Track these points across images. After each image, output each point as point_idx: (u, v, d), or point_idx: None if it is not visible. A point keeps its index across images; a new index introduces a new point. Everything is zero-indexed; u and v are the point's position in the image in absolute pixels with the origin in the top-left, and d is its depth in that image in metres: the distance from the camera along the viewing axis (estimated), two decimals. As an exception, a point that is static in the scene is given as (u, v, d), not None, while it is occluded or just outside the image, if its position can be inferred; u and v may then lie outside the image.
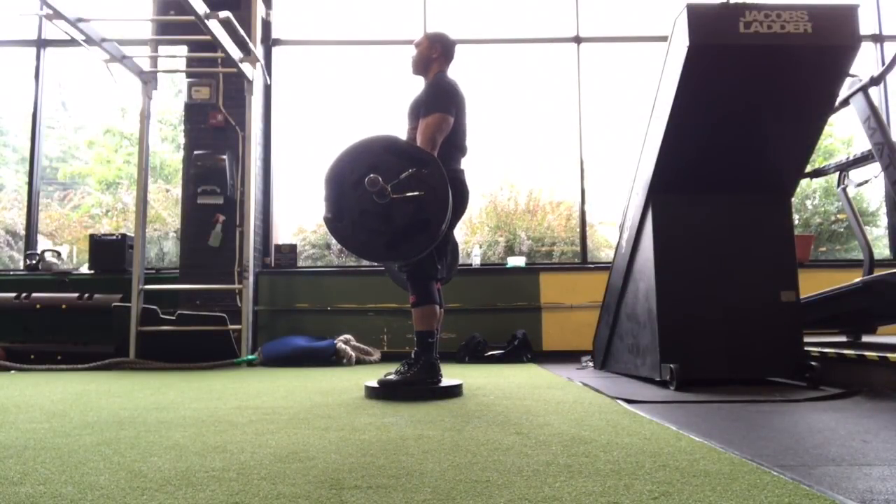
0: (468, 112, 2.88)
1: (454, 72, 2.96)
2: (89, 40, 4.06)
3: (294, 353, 4.44)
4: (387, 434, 1.77)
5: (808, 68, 2.70)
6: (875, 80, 3.22)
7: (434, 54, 2.84)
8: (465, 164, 2.90)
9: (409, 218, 1.95)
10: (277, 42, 5.49)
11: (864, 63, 5.32)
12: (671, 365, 2.74)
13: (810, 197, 5.91)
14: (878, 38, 5.51)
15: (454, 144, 2.75)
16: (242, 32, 4.39)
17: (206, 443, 1.65)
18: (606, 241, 5.67)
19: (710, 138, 2.86)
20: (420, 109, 2.68)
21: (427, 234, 1.98)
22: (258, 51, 4.77)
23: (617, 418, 1.98)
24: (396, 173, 1.96)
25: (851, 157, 3.57)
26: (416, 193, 1.95)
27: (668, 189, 2.96)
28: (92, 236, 5.04)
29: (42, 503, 1.12)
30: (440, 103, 2.64)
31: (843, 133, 5.97)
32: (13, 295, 4.64)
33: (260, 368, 4.27)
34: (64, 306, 4.61)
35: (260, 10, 4.96)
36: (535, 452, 1.50)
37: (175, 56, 5.25)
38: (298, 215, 5.76)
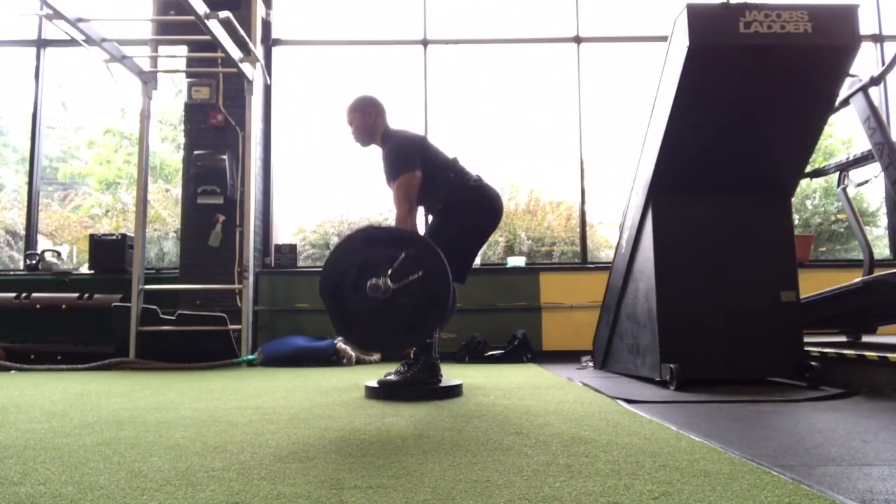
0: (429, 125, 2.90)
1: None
2: (89, 40, 4.06)
3: (294, 353, 4.44)
4: (387, 434, 1.77)
5: (808, 68, 2.70)
6: (875, 80, 3.22)
7: (370, 119, 2.84)
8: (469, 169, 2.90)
9: (416, 300, 1.95)
10: (277, 42, 5.49)
11: (864, 63, 5.33)
12: (671, 365, 2.74)
13: (810, 197, 5.91)
14: (878, 38, 5.51)
15: (441, 174, 2.76)
16: (242, 32, 4.39)
17: (206, 443, 1.65)
18: (606, 241, 5.68)
19: (710, 138, 2.86)
20: (387, 175, 2.74)
21: (437, 308, 1.99)
22: (258, 51, 4.77)
23: (617, 418, 1.98)
24: (389, 262, 1.96)
25: (851, 157, 3.57)
26: (415, 276, 1.94)
27: (668, 189, 2.96)
28: (92, 236, 5.04)
29: (42, 503, 1.12)
30: (399, 166, 2.67)
31: (843, 133, 5.97)
32: (13, 295, 4.64)
33: (260, 368, 4.27)
34: (64, 306, 4.61)
35: (260, 10, 4.96)
36: (535, 452, 1.50)
37: (175, 56, 5.25)
38: (298, 215, 5.76)
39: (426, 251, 2.00)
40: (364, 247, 2.01)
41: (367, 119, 2.84)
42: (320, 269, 5.55)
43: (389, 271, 1.93)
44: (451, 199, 2.74)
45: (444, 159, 2.83)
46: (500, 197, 2.88)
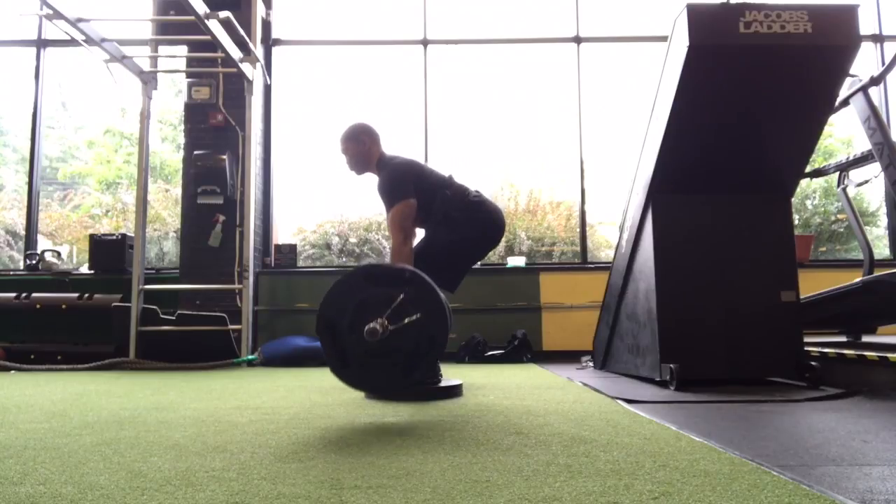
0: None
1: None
2: (89, 40, 4.06)
3: (294, 353, 4.44)
4: (387, 434, 1.77)
5: (809, 68, 2.70)
6: (875, 80, 3.22)
7: (365, 147, 2.83)
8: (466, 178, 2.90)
9: (414, 341, 1.93)
10: (277, 42, 5.49)
11: (864, 63, 5.33)
12: (671, 365, 2.74)
13: (810, 197, 5.92)
14: (878, 38, 5.51)
15: (439, 194, 2.76)
16: (242, 32, 4.39)
17: (206, 443, 1.65)
18: (606, 241, 5.68)
19: (710, 138, 2.85)
20: (384, 204, 2.74)
21: (434, 349, 1.98)
22: (258, 51, 4.77)
23: (617, 418, 1.98)
24: (387, 303, 1.95)
25: (851, 157, 3.57)
26: (413, 318, 1.93)
27: (668, 189, 2.96)
28: (92, 236, 5.04)
29: (42, 503, 1.12)
30: (394, 195, 2.67)
31: (843, 133, 5.97)
32: (13, 295, 4.64)
33: (260, 368, 4.27)
34: (64, 306, 4.61)
35: (260, 10, 4.96)
36: (535, 452, 1.50)
37: (175, 56, 5.25)
38: (298, 215, 5.77)
39: (425, 292, 1.99)
40: (362, 284, 2.00)
41: (362, 147, 2.83)
42: (321, 268, 5.60)
43: (387, 312, 1.91)
44: (451, 212, 2.75)
45: (438, 179, 2.83)
46: (500, 212, 2.87)
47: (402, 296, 1.94)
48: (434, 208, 2.74)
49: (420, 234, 2.90)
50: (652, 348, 2.92)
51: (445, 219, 2.75)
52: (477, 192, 2.85)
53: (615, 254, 3.52)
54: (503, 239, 4.08)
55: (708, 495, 1.13)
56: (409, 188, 2.68)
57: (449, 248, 2.75)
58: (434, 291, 1.99)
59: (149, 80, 4.64)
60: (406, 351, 1.93)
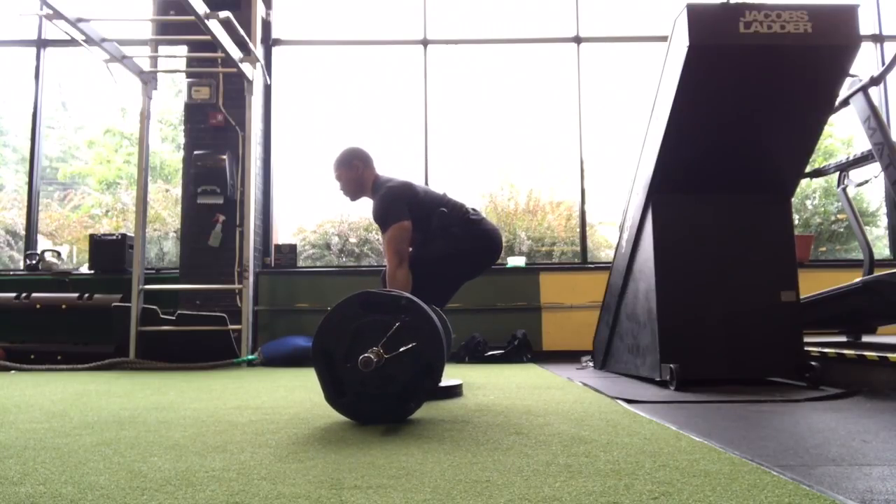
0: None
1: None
2: (89, 40, 4.06)
3: (294, 353, 4.44)
4: (387, 434, 1.77)
5: (809, 68, 2.70)
6: (875, 80, 3.22)
7: (358, 172, 2.83)
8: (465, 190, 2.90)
9: (410, 370, 1.92)
10: (277, 42, 5.49)
11: (864, 63, 5.33)
12: (671, 365, 2.74)
13: (810, 197, 5.92)
14: (878, 38, 5.51)
15: (435, 212, 2.76)
16: (242, 32, 4.39)
17: (206, 443, 1.65)
18: (606, 241, 5.68)
19: (710, 138, 2.85)
20: (379, 226, 2.75)
21: (431, 378, 1.97)
22: (258, 51, 4.78)
23: (617, 418, 1.98)
24: (384, 330, 1.94)
25: (851, 157, 3.57)
26: (409, 347, 1.92)
27: (668, 189, 2.96)
28: (92, 236, 5.04)
29: (42, 503, 1.12)
30: (388, 218, 2.67)
31: (843, 133, 5.97)
32: (13, 295, 4.64)
33: (260, 368, 4.27)
34: (64, 306, 4.61)
35: (260, 10, 4.96)
36: (535, 452, 1.50)
37: (175, 56, 5.25)
38: (298, 215, 5.77)
39: (422, 320, 1.98)
40: (359, 312, 1.99)
41: (355, 172, 2.83)
42: (321, 268, 5.59)
43: (383, 340, 1.90)
44: (449, 227, 2.75)
45: (433, 198, 2.83)
46: (498, 231, 2.87)
47: (397, 324, 1.94)
48: (431, 226, 2.74)
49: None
50: (652, 348, 2.92)
51: (444, 233, 2.75)
52: (474, 209, 2.85)
53: (615, 254, 3.53)
54: (503, 239, 4.04)
55: (708, 495, 1.13)
56: (404, 210, 2.68)
57: (443, 261, 2.75)
58: (431, 319, 1.99)
59: (149, 80, 4.64)
60: (402, 380, 1.92)
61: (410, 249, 2.74)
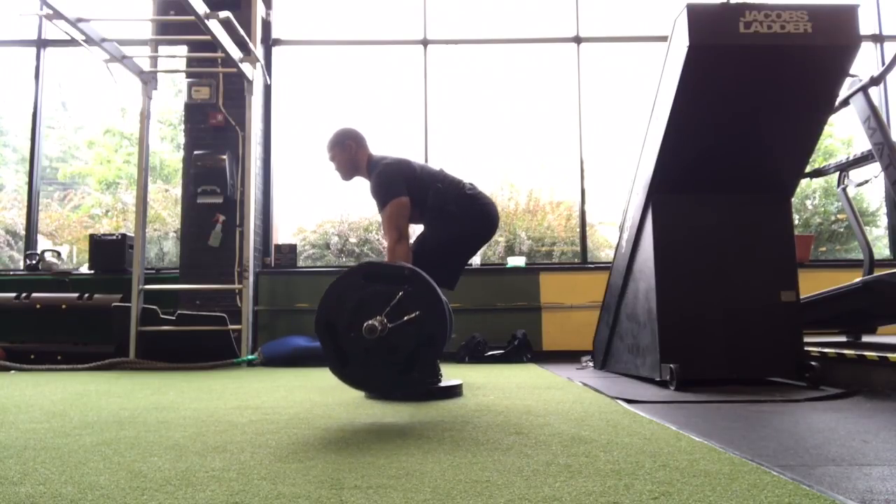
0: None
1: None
2: (89, 40, 4.06)
3: (294, 353, 4.44)
4: (387, 434, 1.77)
5: (809, 68, 2.70)
6: (875, 80, 3.22)
7: (351, 152, 2.82)
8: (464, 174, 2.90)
9: (413, 340, 1.93)
10: (277, 42, 5.49)
11: (864, 63, 5.33)
12: (671, 365, 2.74)
13: (810, 197, 5.92)
14: (878, 38, 5.51)
15: (431, 188, 2.75)
16: (242, 32, 4.39)
17: (206, 443, 1.65)
18: (606, 241, 5.68)
19: (710, 138, 2.85)
20: (377, 205, 2.74)
21: (433, 349, 1.97)
22: (258, 51, 4.77)
23: (617, 418, 1.98)
24: (387, 300, 1.94)
25: (851, 157, 3.57)
26: (413, 315, 1.92)
27: (668, 189, 2.96)
28: (92, 236, 5.04)
29: (42, 503, 1.12)
30: (387, 194, 2.66)
31: (843, 133, 5.97)
32: (13, 295, 4.64)
33: (260, 368, 4.27)
34: (64, 306, 4.61)
35: (260, 10, 4.96)
36: (535, 452, 1.50)
37: (175, 56, 5.26)
38: (298, 215, 5.77)
39: (424, 289, 1.98)
40: (362, 283, 1.99)
41: (349, 153, 2.82)
42: (321, 268, 5.60)
43: (386, 310, 1.91)
44: (446, 206, 2.74)
45: (430, 174, 2.82)
46: (495, 205, 2.87)
47: (401, 293, 1.94)
48: (428, 203, 2.74)
49: (414, 231, 2.89)
50: (652, 348, 2.92)
51: (441, 213, 2.74)
52: (471, 184, 2.84)
53: (615, 254, 3.52)
54: (503, 239, 4.04)
55: (708, 495, 1.13)
56: (401, 187, 2.67)
57: (446, 245, 2.75)
58: (433, 289, 1.99)
59: (149, 80, 4.64)
60: (405, 349, 1.92)
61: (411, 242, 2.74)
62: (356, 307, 1.94)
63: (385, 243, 2.70)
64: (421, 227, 2.92)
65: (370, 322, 1.84)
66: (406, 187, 2.68)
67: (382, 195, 2.68)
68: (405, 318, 1.91)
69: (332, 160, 2.87)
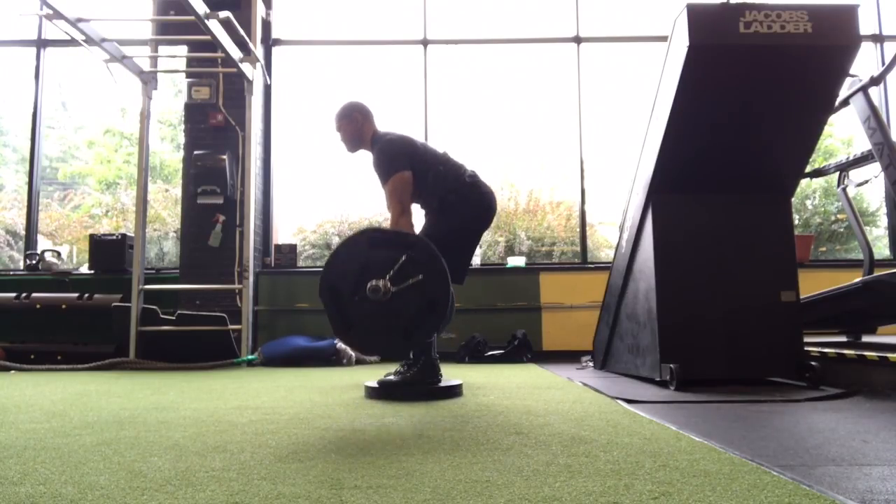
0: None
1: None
2: (89, 40, 4.06)
3: (294, 353, 4.44)
4: (387, 434, 1.77)
5: (809, 68, 2.70)
6: (875, 80, 3.22)
7: (358, 124, 2.85)
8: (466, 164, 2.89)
9: (415, 305, 1.94)
10: (277, 42, 5.49)
11: (864, 63, 5.33)
12: (671, 365, 2.74)
13: (810, 197, 5.92)
14: (878, 38, 5.51)
15: (432, 169, 2.75)
16: (242, 32, 4.39)
17: (206, 443, 1.65)
18: (606, 241, 5.68)
19: (710, 138, 2.85)
20: (380, 179, 2.74)
21: (436, 313, 1.98)
22: (258, 51, 4.77)
23: (617, 418, 1.98)
24: (390, 265, 1.95)
25: (851, 157, 3.57)
26: (415, 279, 1.93)
27: (668, 189, 2.96)
28: (92, 236, 5.04)
29: (42, 503, 1.12)
30: (389, 168, 2.67)
31: (843, 133, 5.97)
32: (13, 295, 4.64)
33: (260, 368, 4.27)
34: (64, 306, 4.61)
35: (260, 10, 4.96)
36: (535, 452, 1.50)
37: (175, 56, 5.25)
38: (298, 215, 5.77)
39: (427, 254, 1.99)
40: (364, 249, 2.00)
41: (355, 125, 2.85)
42: (321, 269, 5.58)
43: (390, 274, 1.92)
44: (445, 194, 2.74)
45: (433, 154, 2.82)
46: (493, 194, 2.86)
47: (404, 257, 1.95)
48: (428, 184, 2.73)
49: (416, 214, 2.89)
50: (652, 348, 2.92)
51: (441, 204, 2.74)
52: (472, 172, 2.83)
53: (615, 254, 3.53)
54: (503, 239, 4.04)
55: (708, 495, 1.13)
56: (404, 161, 2.68)
57: (449, 239, 2.73)
58: (436, 255, 1.99)
59: (149, 80, 4.63)
60: (407, 313, 1.93)
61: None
62: (360, 272, 1.95)
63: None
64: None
65: (374, 282, 1.84)
66: (409, 162, 2.68)
67: (385, 169, 2.68)
68: (408, 281, 1.92)
69: (338, 130, 2.90)
